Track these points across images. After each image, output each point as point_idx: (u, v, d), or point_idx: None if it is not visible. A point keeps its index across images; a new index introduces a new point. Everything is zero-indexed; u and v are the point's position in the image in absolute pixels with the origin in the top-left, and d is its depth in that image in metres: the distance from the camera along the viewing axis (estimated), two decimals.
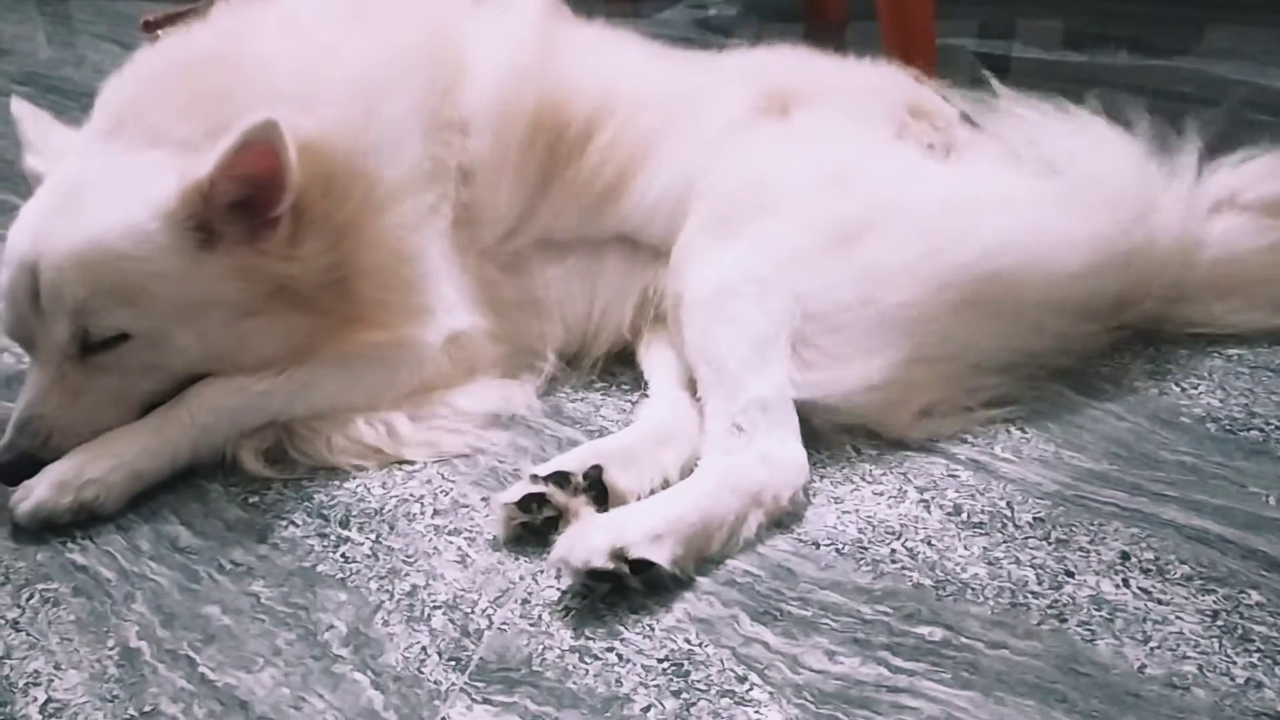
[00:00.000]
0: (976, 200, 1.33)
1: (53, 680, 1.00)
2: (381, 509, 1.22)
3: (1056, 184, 1.37)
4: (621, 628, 1.03)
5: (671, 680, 0.97)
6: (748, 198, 1.32)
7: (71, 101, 2.63)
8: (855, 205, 1.30)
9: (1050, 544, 1.12)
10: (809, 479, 1.20)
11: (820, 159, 1.35)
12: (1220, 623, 1.01)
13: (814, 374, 1.23)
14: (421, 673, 0.99)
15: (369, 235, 1.31)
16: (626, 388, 1.44)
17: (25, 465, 1.21)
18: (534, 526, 1.14)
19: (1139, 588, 1.06)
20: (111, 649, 1.03)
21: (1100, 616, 1.02)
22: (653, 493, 1.19)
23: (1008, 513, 1.17)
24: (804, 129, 1.41)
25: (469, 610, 1.06)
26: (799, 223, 1.29)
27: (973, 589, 1.06)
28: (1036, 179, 1.39)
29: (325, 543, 1.17)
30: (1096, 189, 1.36)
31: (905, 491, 1.21)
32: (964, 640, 1.00)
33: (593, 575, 1.04)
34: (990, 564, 1.09)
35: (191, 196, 1.20)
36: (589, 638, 1.02)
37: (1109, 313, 1.38)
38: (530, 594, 1.08)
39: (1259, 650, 0.98)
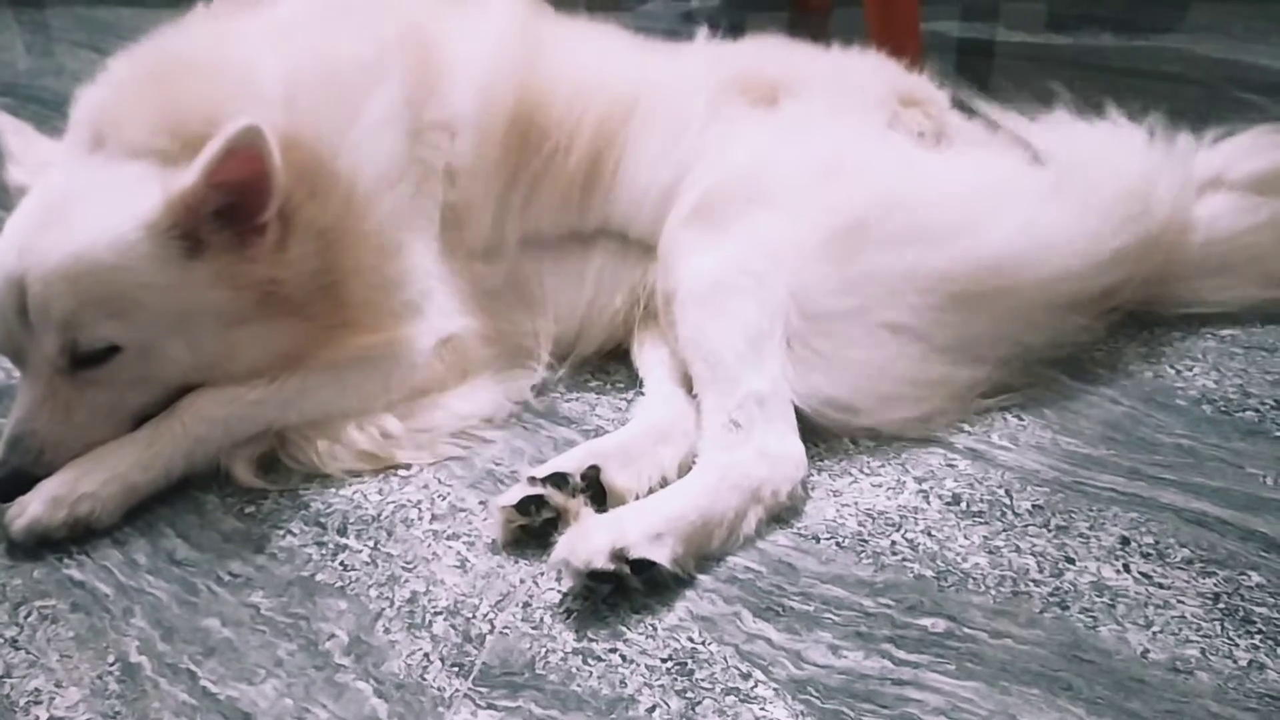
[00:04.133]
0: (972, 193, 1.32)
1: (54, 698, 0.99)
2: (379, 515, 1.21)
3: (1055, 175, 1.37)
4: (624, 628, 1.03)
5: (676, 679, 0.97)
6: (739, 189, 1.31)
7: (53, 111, 2.60)
8: (848, 197, 1.29)
9: (1050, 531, 1.12)
10: (807, 473, 1.19)
11: (812, 149, 1.34)
12: (1221, 605, 1.01)
13: (811, 374, 1.22)
14: (424, 679, 0.98)
15: (356, 238, 1.30)
16: (621, 386, 1.44)
17: (18, 482, 1.20)
18: (533, 529, 1.14)
19: (1139, 572, 1.06)
20: (112, 665, 1.03)
21: (1102, 603, 1.02)
22: (651, 491, 1.18)
23: (1006, 501, 1.17)
24: (794, 118, 1.40)
25: (470, 615, 1.06)
26: (792, 215, 1.28)
27: (974, 579, 1.06)
28: (1033, 168, 1.38)
29: (323, 551, 1.16)
30: (1097, 181, 1.35)
31: (904, 482, 1.21)
32: (967, 631, 1.00)
33: (594, 576, 1.04)
34: (991, 553, 1.09)
35: (176, 205, 1.19)
36: (592, 639, 1.02)
37: (1101, 299, 1.38)
38: (531, 597, 1.08)
39: (1260, 632, 0.98)
